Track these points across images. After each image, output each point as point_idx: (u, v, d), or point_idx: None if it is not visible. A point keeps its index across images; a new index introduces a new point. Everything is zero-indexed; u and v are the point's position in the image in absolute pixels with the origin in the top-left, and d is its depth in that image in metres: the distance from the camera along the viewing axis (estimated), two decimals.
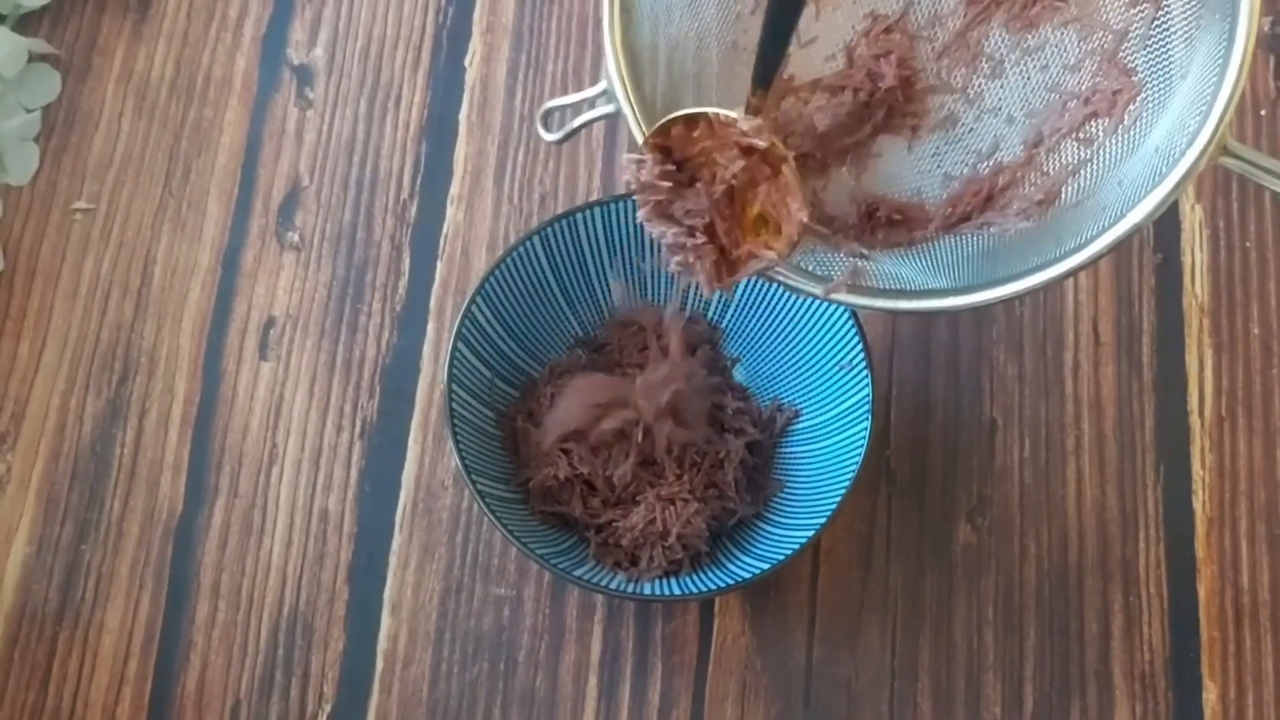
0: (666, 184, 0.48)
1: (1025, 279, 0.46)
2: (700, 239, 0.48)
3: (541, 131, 0.52)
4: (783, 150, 0.47)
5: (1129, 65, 0.49)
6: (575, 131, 0.51)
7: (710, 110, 0.47)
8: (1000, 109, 0.52)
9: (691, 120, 0.47)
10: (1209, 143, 0.44)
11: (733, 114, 0.47)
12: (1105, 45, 0.50)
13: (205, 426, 0.62)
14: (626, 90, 0.49)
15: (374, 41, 0.68)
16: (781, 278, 0.49)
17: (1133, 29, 0.50)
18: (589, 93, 0.50)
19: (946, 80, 0.53)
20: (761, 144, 0.47)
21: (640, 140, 0.48)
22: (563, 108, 0.51)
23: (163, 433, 0.62)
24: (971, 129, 0.53)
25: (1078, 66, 0.51)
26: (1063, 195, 0.50)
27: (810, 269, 0.49)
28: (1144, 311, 0.62)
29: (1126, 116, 0.49)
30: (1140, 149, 0.48)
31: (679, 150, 0.48)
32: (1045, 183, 0.50)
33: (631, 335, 0.61)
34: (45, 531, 0.60)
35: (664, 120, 0.48)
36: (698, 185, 0.48)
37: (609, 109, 0.50)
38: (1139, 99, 0.49)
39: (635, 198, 0.49)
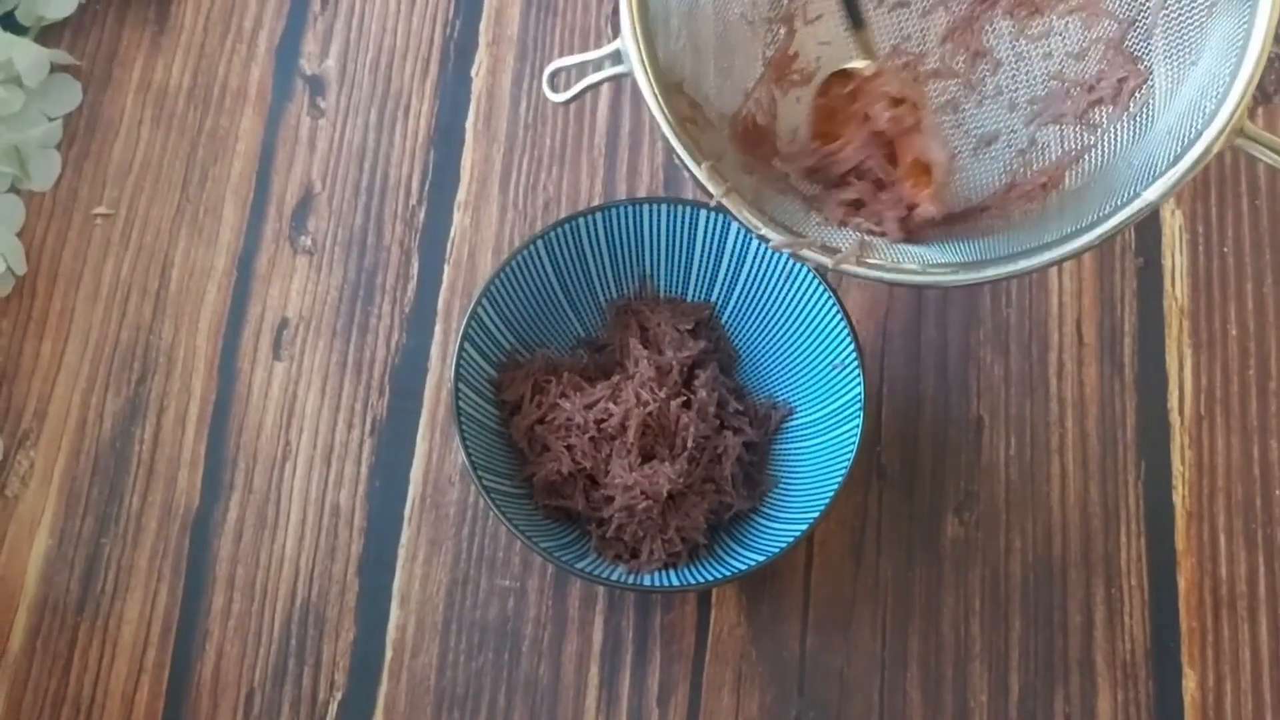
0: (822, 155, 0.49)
1: (1039, 254, 0.45)
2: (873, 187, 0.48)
3: (548, 92, 0.49)
4: (918, 97, 0.49)
5: (1134, 53, 0.49)
6: (583, 92, 0.48)
7: (859, 64, 0.49)
8: (1003, 95, 0.52)
9: (843, 77, 0.49)
10: (1227, 123, 0.43)
11: (867, 65, 0.49)
12: (1110, 33, 0.49)
13: (221, 424, 0.63)
14: (640, 51, 0.46)
15: (384, 53, 0.69)
16: (790, 249, 0.47)
17: (1140, 17, 0.49)
18: (599, 53, 0.47)
19: (950, 65, 0.52)
20: (903, 92, 0.48)
21: (654, 107, 0.46)
22: (569, 68, 0.48)
23: (180, 430, 0.63)
24: (973, 114, 0.52)
25: (1082, 54, 0.50)
26: (1066, 180, 0.49)
27: (821, 241, 0.48)
28: (1126, 313, 0.63)
29: (1133, 103, 0.48)
30: (1148, 134, 0.47)
31: (841, 108, 0.49)
32: (1048, 167, 0.50)
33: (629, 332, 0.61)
34: (67, 525, 0.61)
35: (824, 76, 0.49)
36: (848, 146, 0.48)
37: (620, 69, 0.47)
38: (1145, 86, 0.48)
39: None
